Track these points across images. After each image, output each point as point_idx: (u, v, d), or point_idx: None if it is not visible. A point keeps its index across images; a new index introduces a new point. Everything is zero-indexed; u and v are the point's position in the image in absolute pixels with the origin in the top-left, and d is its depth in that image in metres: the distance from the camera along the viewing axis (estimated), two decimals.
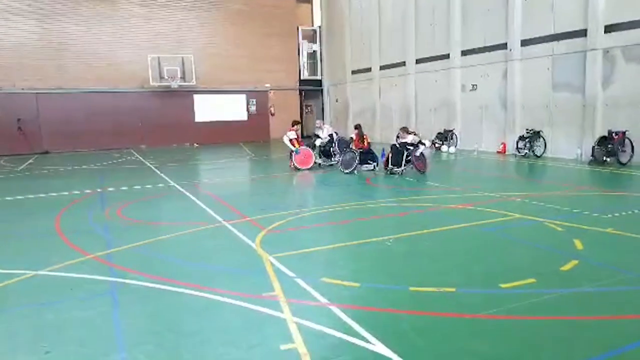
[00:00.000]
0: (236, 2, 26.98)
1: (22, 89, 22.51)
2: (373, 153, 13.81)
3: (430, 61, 21.02)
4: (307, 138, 20.02)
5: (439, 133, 19.87)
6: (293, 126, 14.85)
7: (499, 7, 17.25)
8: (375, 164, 13.57)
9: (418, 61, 21.74)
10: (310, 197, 11.19)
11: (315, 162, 14.62)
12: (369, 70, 25.20)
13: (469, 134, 19.23)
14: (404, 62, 22.39)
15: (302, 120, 29.62)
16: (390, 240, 6.54)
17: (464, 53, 19.13)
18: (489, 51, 17.92)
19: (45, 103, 22.86)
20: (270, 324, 4.10)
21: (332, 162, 14.80)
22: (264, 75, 27.67)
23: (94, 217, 8.82)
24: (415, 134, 13.48)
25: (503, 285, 4.79)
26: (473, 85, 18.92)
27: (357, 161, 13.23)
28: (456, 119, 19.77)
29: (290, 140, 14.36)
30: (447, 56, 19.85)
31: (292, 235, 7.16)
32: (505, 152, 17.32)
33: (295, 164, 14.32)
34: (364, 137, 13.83)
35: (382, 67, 24.30)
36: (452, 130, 19.53)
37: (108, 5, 24.07)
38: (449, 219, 7.94)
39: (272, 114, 28.47)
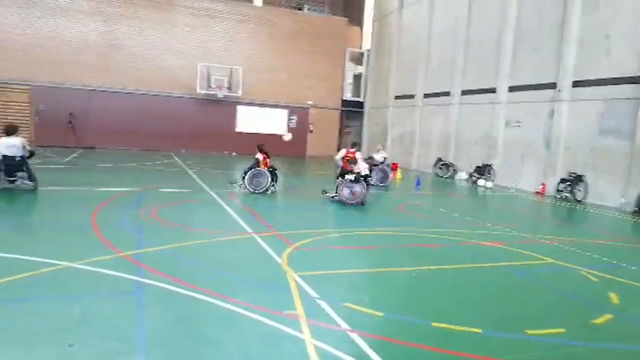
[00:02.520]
0: (287, 19, 27.61)
1: (77, 85, 23.56)
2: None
3: (475, 94, 20.82)
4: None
5: (477, 167, 19.55)
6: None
7: (552, 45, 16.97)
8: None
9: (464, 92, 21.57)
10: (340, 218, 11.15)
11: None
12: (412, 96, 25.16)
13: (508, 170, 18.84)
14: (449, 92, 22.26)
15: (340, 141, 29.80)
16: (416, 272, 6.43)
17: (512, 89, 18.85)
18: (538, 89, 17.60)
19: (96, 100, 23.84)
20: (289, 342, 4.08)
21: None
22: (306, 92, 28.04)
23: (129, 215, 9.06)
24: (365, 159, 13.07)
25: (530, 332, 4.63)
26: (517, 122, 18.59)
27: (268, 180, 12.81)
28: (496, 153, 19.42)
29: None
30: (493, 90, 19.62)
31: (318, 255, 7.15)
32: (544, 193, 16.85)
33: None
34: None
35: (426, 95, 24.23)
36: (490, 165, 19.19)
37: (165, 13, 25.06)
38: (478, 255, 7.75)
39: (311, 131, 28.72)
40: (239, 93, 25.64)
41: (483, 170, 19.21)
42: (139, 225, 8.29)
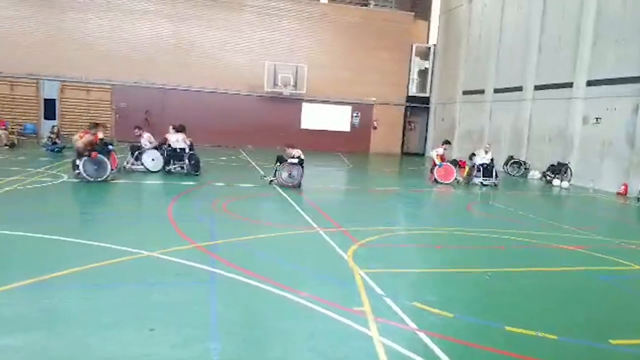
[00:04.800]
0: (352, 15, 27.54)
1: (153, 83, 24.84)
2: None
3: (550, 89, 19.75)
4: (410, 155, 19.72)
5: (551, 165, 18.56)
6: (443, 144, 15.89)
7: (636, 36, 15.75)
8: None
9: (537, 87, 20.53)
10: (407, 216, 11.02)
11: (455, 179, 15.44)
12: (481, 92, 24.30)
13: (585, 169, 17.73)
14: (521, 87, 21.27)
15: (404, 137, 29.39)
16: (489, 274, 6.22)
17: (590, 83, 17.70)
18: (620, 83, 16.40)
19: (170, 98, 25.02)
20: (357, 339, 4.10)
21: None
22: (370, 88, 27.87)
23: (202, 208, 9.47)
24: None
25: (613, 342, 4.35)
26: (597, 118, 17.44)
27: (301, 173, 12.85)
28: (572, 152, 18.33)
29: (438, 155, 15.41)
30: (569, 85, 18.52)
31: (384, 252, 7.11)
32: (626, 194, 15.70)
33: (437, 177, 15.23)
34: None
35: (496, 90, 23.31)
36: (567, 164, 18.14)
37: (233, 13, 25.81)
38: (555, 259, 7.38)
39: (375, 128, 28.54)
40: (304, 90, 25.95)
41: (558, 169, 18.21)
42: (212, 218, 8.63)
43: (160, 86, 25.01)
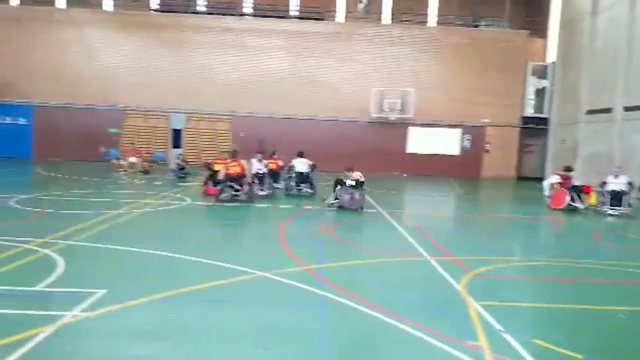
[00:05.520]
0: (462, 37, 26.91)
1: (268, 113, 26.31)
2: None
3: None
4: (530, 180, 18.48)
5: None
6: (564, 170, 15.04)
7: None
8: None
9: None
10: (524, 245, 10.28)
11: (572, 205, 14.16)
12: (608, 110, 22.14)
13: None
14: None
15: (520, 160, 27.68)
16: (625, 313, 5.54)
17: None
18: None
19: (283, 126, 26.24)
20: None
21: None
22: (481, 110, 26.79)
23: (311, 231, 9.71)
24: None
25: None
26: None
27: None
28: None
29: (555, 183, 14.69)
30: None
31: (501, 284, 6.68)
32: None
33: (551, 204, 14.46)
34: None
35: (627, 109, 21.09)
36: None
37: (343, 43, 26.60)
38: None
39: (487, 151, 27.27)
40: (411, 114, 25.72)
41: None
42: (320, 241, 8.81)
43: (274, 115, 26.39)
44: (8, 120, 25.67)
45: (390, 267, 7.31)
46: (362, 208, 12.41)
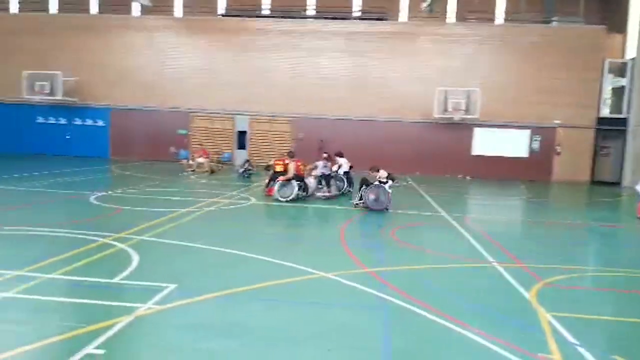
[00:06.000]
0: (532, 35, 25.73)
1: (327, 115, 26.47)
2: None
3: None
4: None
5: None
6: None
7: None
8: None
9: None
10: (601, 254, 9.68)
11: None
12: None
13: None
14: None
15: (594, 164, 26.08)
16: None
17: None
18: None
19: (342, 127, 26.31)
20: None
21: None
22: (552, 110, 25.46)
23: (371, 233, 9.67)
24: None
25: None
26: None
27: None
28: None
29: None
30: None
31: (575, 295, 6.32)
32: None
33: None
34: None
35: None
36: None
37: (409, 43, 26.23)
38: None
39: (558, 154, 25.89)
40: (476, 115, 24.92)
41: None
42: (381, 244, 8.75)
43: (334, 117, 26.51)
44: (88, 122, 27.51)
45: (454, 272, 7.13)
46: (387, 209, 12.28)
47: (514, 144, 25.98)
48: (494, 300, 5.85)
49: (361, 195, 12.62)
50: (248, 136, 27.29)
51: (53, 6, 30.72)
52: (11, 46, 27.30)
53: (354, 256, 7.59)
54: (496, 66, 25.87)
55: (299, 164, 13.62)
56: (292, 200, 12.98)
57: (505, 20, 28.16)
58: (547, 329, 4.88)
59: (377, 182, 12.45)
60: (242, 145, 27.21)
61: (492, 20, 28.12)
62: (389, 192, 12.46)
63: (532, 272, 7.06)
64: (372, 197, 12.32)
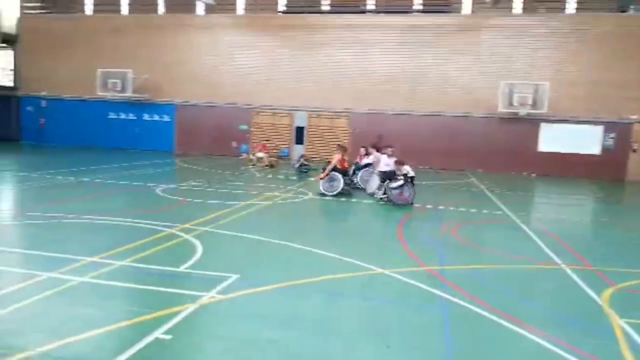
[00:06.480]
0: (604, 24, 24.11)
1: (385, 110, 26.20)
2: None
3: None
4: None
5: None
6: None
7: None
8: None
9: None
10: None
11: None
12: None
13: None
14: None
15: None
16: None
17: None
18: None
19: (402, 122, 25.93)
20: None
21: None
22: (629, 105, 23.77)
23: (431, 231, 9.48)
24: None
25: None
26: None
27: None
28: None
29: None
30: None
31: None
32: None
33: None
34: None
35: None
36: None
37: (469, 35, 25.42)
38: None
39: (634, 151, 24.19)
40: (544, 109, 23.73)
41: None
42: (441, 241, 8.56)
43: (392, 111, 26.19)
44: (156, 117, 28.86)
45: (519, 274, 6.86)
46: (411, 204, 12.13)
47: (584, 140, 24.53)
48: (562, 304, 5.58)
49: (384, 189, 12.51)
50: (306, 131, 27.54)
51: (125, 7, 32.38)
52: (89, 46, 29.11)
53: (412, 253, 7.49)
54: (566, 58, 24.50)
55: (342, 157, 13.44)
56: (337, 195, 12.95)
57: (577, 9, 26.57)
58: (620, 336, 4.60)
59: (401, 177, 12.30)
60: (300, 141, 27.51)
61: (562, 9, 26.62)
62: (412, 186, 12.39)
63: (604, 276, 6.66)
64: (395, 191, 12.22)
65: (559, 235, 9.49)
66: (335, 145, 18.43)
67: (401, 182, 12.20)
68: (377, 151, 14.79)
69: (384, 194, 12.55)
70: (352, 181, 14.35)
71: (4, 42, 30.06)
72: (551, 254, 7.84)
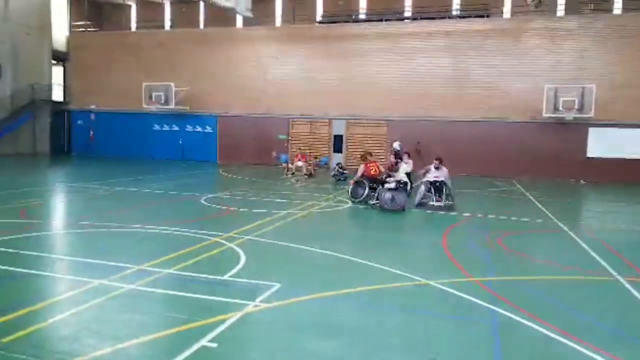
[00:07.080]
0: None
1: (425, 116, 25.85)
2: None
3: None
4: None
5: None
6: None
7: None
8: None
9: None
10: None
11: None
12: None
13: None
14: None
15: None
16: None
17: None
18: None
19: (443, 129, 25.50)
20: None
21: None
22: None
23: (476, 240, 9.24)
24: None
25: None
26: None
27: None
28: None
29: None
30: None
31: None
32: None
33: None
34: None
35: None
36: None
37: (513, 38, 24.85)
38: None
39: None
40: (591, 113, 22.83)
41: None
42: (487, 252, 8.33)
43: (433, 118, 25.81)
44: (199, 128, 29.59)
45: (571, 285, 6.57)
46: (403, 209, 12.03)
47: (636, 145, 23.41)
48: (620, 319, 5.29)
49: (377, 195, 12.39)
50: (345, 140, 27.54)
51: (167, 23, 33.50)
52: (135, 60, 30.25)
53: (458, 264, 7.30)
54: (614, 60, 23.56)
55: (370, 165, 13.12)
56: (362, 202, 12.74)
57: (624, 9, 25.53)
58: None
59: (393, 182, 12.20)
60: (338, 149, 27.53)
61: (609, 10, 25.66)
62: (405, 193, 12.40)
63: None
64: (387, 196, 12.05)
65: (612, 245, 9.05)
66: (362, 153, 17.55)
67: (393, 186, 12.12)
68: (395, 158, 14.77)
69: (376, 199, 12.48)
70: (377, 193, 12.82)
71: (54, 58, 31.68)
72: (605, 264, 7.47)
